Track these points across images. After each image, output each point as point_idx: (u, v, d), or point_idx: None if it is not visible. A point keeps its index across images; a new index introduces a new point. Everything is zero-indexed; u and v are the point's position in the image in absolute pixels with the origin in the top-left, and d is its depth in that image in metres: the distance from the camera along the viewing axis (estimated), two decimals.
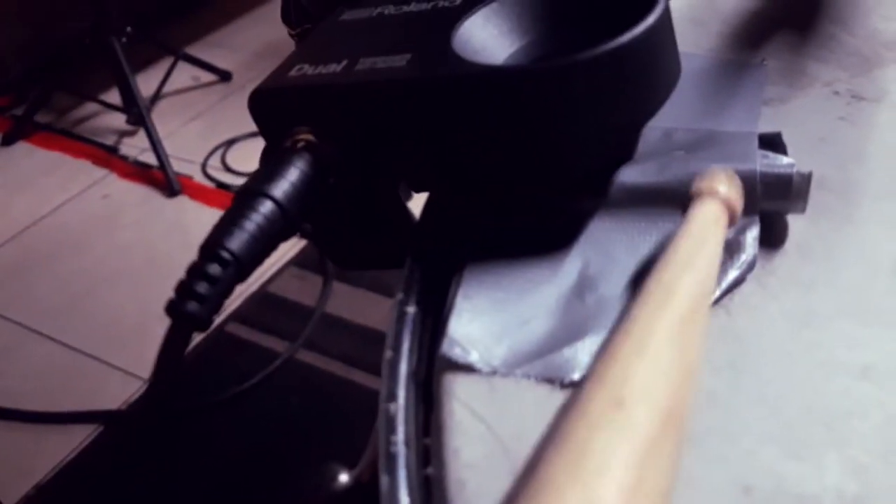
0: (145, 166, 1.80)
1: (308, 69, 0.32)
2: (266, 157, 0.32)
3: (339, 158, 0.31)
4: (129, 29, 1.82)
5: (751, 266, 0.30)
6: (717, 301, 0.29)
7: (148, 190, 1.76)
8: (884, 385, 0.26)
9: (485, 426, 0.26)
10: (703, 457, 0.24)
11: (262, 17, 2.29)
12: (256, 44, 2.17)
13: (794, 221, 0.31)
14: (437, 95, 0.30)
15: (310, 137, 0.31)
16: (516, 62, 0.32)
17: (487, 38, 0.32)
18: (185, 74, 2.01)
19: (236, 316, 1.43)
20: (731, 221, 0.29)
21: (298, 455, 1.19)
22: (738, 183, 0.29)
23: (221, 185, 1.74)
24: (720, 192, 0.28)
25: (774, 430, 0.25)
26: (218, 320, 1.57)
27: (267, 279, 1.49)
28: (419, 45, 0.31)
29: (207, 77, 2.05)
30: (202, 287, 0.27)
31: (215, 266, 0.28)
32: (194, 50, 2.08)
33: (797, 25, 0.43)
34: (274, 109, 0.32)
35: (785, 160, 0.31)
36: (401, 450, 0.25)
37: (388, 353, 0.28)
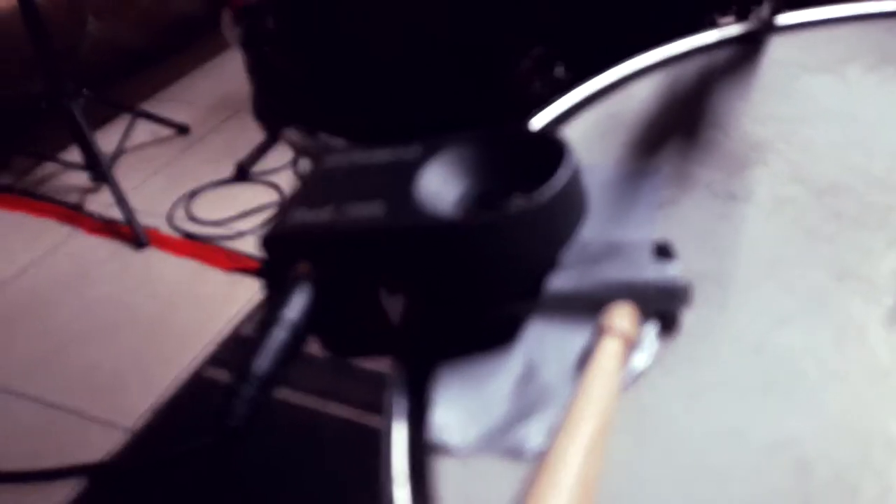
0: (111, 221, 1.86)
1: (306, 215, 0.41)
2: (276, 288, 0.41)
3: (333, 283, 0.41)
4: (85, 91, 1.87)
5: (651, 357, 0.39)
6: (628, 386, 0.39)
7: (115, 244, 1.81)
8: (751, 447, 0.35)
9: (463, 498, 0.35)
10: None
11: (212, 71, 2.37)
12: (210, 96, 2.24)
13: (686, 309, 0.41)
14: (405, 239, 0.39)
15: (309, 269, 0.40)
16: (464, 201, 0.42)
17: (439, 185, 0.42)
18: (143, 130, 2.07)
19: (213, 360, 1.47)
20: (629, 345, 0.39)
21: (284, 492, 1.25)
22: (635, 316, 0.39)
23: (188, 235, 1.81)
24: (619, 328, 0.39)
25: (674, 494, 0.34)
26: (195, 364, 1.62)
27: (238, 322, 1.55)
28: (389, 196, 0.41)
29: (166, 131, 2.11)
30: (236, 405, 0.36)
31: (246, 386, 0.37)
32: (150, 106, 2.14)
33: (685, 131, 0.53)
34: (280, 250, 0.42)
35: (671, 270, 0.41)
36: None
37: (384, 448, 0.37)
